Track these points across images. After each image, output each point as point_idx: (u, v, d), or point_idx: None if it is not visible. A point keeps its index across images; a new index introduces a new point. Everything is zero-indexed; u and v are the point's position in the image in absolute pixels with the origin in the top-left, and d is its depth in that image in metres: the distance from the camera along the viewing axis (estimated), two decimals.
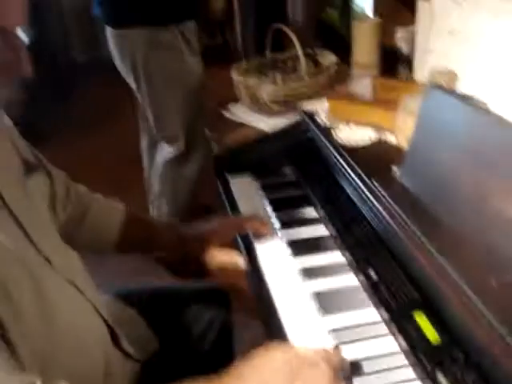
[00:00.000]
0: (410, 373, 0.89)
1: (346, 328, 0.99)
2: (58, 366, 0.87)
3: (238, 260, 1.21)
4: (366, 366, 0.91)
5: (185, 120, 2.37)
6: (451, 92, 1.17)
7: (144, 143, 2.71)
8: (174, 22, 2.19)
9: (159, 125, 2.42)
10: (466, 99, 1.11)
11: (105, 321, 1.01)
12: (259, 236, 1.25)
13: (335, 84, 1.78)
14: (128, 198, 1.45)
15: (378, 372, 0.90)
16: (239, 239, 1.26)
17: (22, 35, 0.81)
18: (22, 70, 0.83)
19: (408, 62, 1.69)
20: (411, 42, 1.68)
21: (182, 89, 2.30)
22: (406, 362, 0.91)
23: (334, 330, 0.99)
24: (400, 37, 1.75)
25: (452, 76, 1.33)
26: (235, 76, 1.81)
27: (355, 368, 0.90)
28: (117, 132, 3.61)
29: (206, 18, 3.61)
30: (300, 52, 1.77)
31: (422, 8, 1.51)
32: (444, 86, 1.24)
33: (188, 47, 2.26)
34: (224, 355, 1.27)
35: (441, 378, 0.84)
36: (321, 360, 0.82)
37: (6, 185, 0.87)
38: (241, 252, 1.24)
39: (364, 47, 1.70)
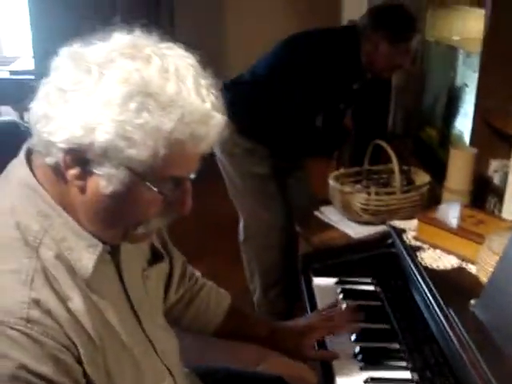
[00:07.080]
0: None
1: None
2: None
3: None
4: None
5: None
6: None
7: None
8: None
9: None
10: None
11: None
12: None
13: (426, 203, 1.86)
14: None
15: None
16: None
17: None
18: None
19: (499, 195, 1.76)
20: (504, 176, 1.75)
21: None
22: None
23: None
24: (494, 169, 1.83)
25: None
26: (332, 182, 1.92)
27: None
28: None
29: None
30: (396, 168, 1.86)
31: None
32: None
33: None
34: None
35: None
36: None
37: (130, 273, 0.99)
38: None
39: (458, 174, 1.77)
